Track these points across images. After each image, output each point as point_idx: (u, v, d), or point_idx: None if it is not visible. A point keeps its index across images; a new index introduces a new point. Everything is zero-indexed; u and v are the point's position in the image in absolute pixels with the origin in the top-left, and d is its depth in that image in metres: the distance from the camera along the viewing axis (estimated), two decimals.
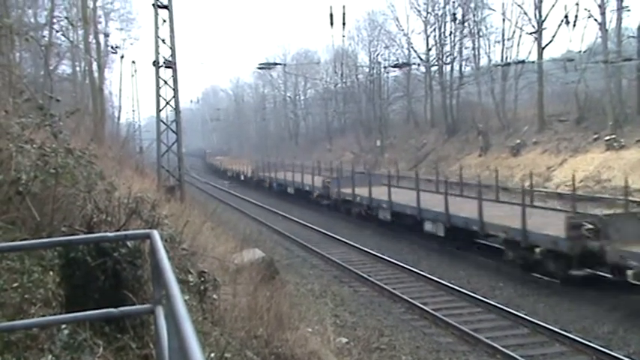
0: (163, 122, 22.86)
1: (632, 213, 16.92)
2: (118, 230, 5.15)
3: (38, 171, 5.53)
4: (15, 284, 4.32)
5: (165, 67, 21.88)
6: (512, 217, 17.38)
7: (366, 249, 21.99)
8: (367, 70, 66.76)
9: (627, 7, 35.63)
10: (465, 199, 22.93)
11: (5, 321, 3.78)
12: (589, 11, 36.50)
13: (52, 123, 6.42)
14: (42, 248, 4.68)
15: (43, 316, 4.20)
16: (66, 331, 4.01)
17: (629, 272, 13.31)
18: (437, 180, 27.99)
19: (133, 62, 62.71)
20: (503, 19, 47.07)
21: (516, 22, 45.59)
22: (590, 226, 15.03)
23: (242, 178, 53.78)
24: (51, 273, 4.67)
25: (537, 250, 16.02)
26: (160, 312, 3.28)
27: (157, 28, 21.52)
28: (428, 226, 21.54)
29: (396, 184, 28.62)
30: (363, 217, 27.25)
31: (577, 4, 36.09)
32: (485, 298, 15.22)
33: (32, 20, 32.06)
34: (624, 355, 11.16)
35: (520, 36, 45.47)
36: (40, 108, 6.92)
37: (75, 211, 5.71)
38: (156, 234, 3.40)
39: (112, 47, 41.95)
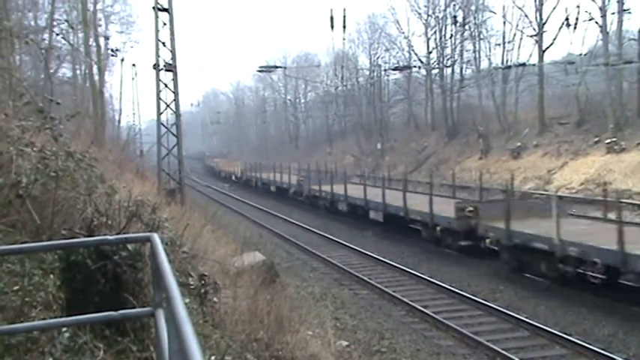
0: (164, 125, 22.87)
1: (498, 199, 22.16)
2: (118, 233, 5.16)
3: (38, 174, 5.54)
4: (15, 287, 4.33)
5: (166, 70, 21.90)
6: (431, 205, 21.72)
7: (366, 252, 22.00)
8: (368, 72, 66.84)
9: (628, 9, 35.71)
10: (413, 193, 26.83)
11: (6, 324, 3.79)
12: (590, 14, 36.59)
13: (53, 126, 6.43)
14: (42, 251, 4.68)
15: (44, 319, 4.20)
16: (66, 334, 4.01)
17: (487, 240, 18.32)
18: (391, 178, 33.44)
19: (134, 65, 62.51)
20: (504, 22, 47.13)
21: (517, 25, 45.65)
22: (471, 209, 19.88)
23: (233, 178, 58.67)
24: (51, 276, 4.67)
25: (438, 228, 21.20)
26: (161, 315, 3.28)
27: (157, 31, 21.54)
28: (372, 214, 26.86)
29: (372, 184, 32.61)
30: (327, 209, 32.03)
31: (578, 7, 36.28)
32: (485, 301, 15.21)
33: (32, 23, 32.13)
34: (624, 358, 11.16)
35: (521, 39, 45.56)
36: (41, 111, 6.93)
37: (75, 214, 5.72)
38: (156, 237, 3.40)
39: (112, 50, 42.05)
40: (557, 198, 17.83)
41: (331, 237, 25.25)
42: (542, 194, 28.44)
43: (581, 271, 14.76)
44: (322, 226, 28.10)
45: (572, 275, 15.21)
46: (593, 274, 14.35)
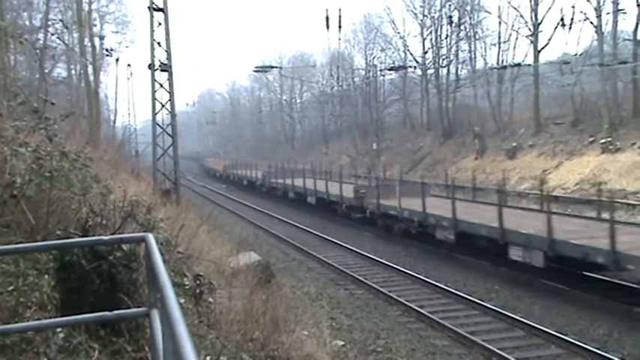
0: (159, 125, 22.85)
1: (374, 185, 29.59)
2: (113, 233, 5.14)
3: (33, 174, 5.52)
4: (10, 287, 4.32)
5: (161, 70, 21.86)
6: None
7: (362, 252, 22.03)
8: (363, 73, 66.88)
9: (623, 9, 35.74)
10: (335, 182, 32.52)
11: (0, 324, 3.78)
12: (585, 14, 36.69)
13: (47, 126, 6.40)
14: (37, 251, 4.67)
15: (39, 319, 4.19)
16: (61, 335, 4.00)
17: (367, 212, 26.56)
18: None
19: (129, 65, 62.21)
20: (500, 22, 47.18)
21: (512, 25, 45.70)
22: (363, 191, 27.87)
23: (217, 175, 66.40)
24: (46, 276, 4.66)
25: (344, 205, 29.56)
26: (155, 315, 3.27)
27: (152, 31, 21.52)
28: (309, 199, 34.65)
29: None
30: (282, 196, 40.25)
31: (573, 7, 36.52)
32: (481, 300, 15.24)
33: (27, 23, 32.06)
34: (620, 357, 11.19)
35: (516, 39, 45.66)
36: (35, 111, 6.91)
37: (70, 215, 5.71)
38: (151, 237, 3.40)
39: (107, 50, 42.00)
40: (421, 184, 24.25)
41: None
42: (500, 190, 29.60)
43: (406, 227, 23.03)
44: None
45: (405, 231, 23.26)
46: (413, 229, 22.47)
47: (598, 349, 11.59)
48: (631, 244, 13.89)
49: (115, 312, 3.81)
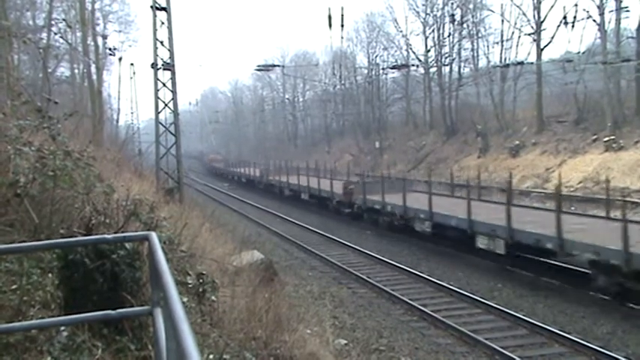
0: (162, 124, 22.85)
1: (361, 182, 30.64)
2: (116, 232, 5.16)
3: (36, 173, 5.53)
4: (14, 286, 4.33)
5: (164, 69, 21.88)
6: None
7: (365, 250, 22.03)
8: (366, 71, 66.79)
9: (626, 7, 35.61)
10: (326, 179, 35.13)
11: (4, 323, 3.79)
12: (588, 12, 36.53)
13: (51, 125, 6.42)
14: (41, 250, 4.68)
15: (42, 318, 4.20)
16: (65, 333, 4.01)
17: (355, 206, 28.35)
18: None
19: (132, 64, 62.36)
20: (502, 20, 47.15)
21: (515, 23, 45.61)
22: (351, 187, 29.55)
23: (218, 173, 71.48)
24: (50, 275, 4.67)
25: (334, 201, 31.24)
26: (159, 314, 3.28)
27: (155, 30, 21.52)
28: (302, 195, 37.16)
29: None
30: (279, 192, 42.77)
31: (576, 5, 36.32)
32: (484, 299, 15.24)
33: (30, 22, 32.08)
34: (623, 356, 11.18)
35: (519, 37, 45.48)
36: (39, 110, 6.93)
37: (73, 214, 5.72)
38: (154, 236, 3.40)
39: (109, 49, 42.00)
40: (402, 181, 25.72)
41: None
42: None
43: (390, 220, 24.80)
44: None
45: (389, 223, 25.05)
46: (396, 221, 24.19)
47: (602, 347, 11.58)
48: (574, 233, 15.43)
49: (119, 310, 3.82)
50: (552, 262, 16.77)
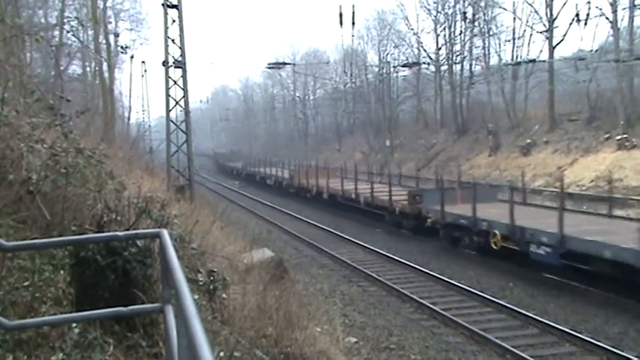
0: (173, 122, 22.91)
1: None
2: (127, 229, 5.17)
3: (49, 170, 5.55)
4: (26, 283, 4.35)
5: (175, 67, 21.93)
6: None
7: (375, 249, 22.01)
8: (377, 69, 66.63)
9: (639, 5, 35.34)
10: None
11: (16, 319, 3.81)
12: (600, 9, 36.25)
13: (63, 123, 6.44)
14: (52, 247, 4.70)
15: (54, 314, 4.22)
16: (76, 330, 4.03)
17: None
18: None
19: (143, 62, 62.52)
20: (514, 18, 46.76)
21: (527, 21, 45.24)
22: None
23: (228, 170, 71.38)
24: (61, 272, 4.69)
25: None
26: (170, 311, 3.29)
27: (166, 28, 21.57)
28: (268, 181, 44.86)
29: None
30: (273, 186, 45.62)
31: (588, 2, 35.82)
32: (495, 298, 15.18)
33: (43, 20, 32.26)
34: (635, 356, 11.10)
35: (531, 35, 45.19)
36: (51, 108, 6.96)
37: (85, 211, 5.73)
38: (165, 233, 3.41)
39: (121, 47, 42.16)
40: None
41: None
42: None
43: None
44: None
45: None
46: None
47: (613, 347, 11.51)
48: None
49: (130, 307, 3.84)
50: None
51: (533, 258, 16.82)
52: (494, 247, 18.38)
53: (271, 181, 47.43)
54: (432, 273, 18.01)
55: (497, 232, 18.16)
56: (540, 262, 16.65)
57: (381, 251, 21.52)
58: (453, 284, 16.69)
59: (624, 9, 35.91)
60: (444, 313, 14.16)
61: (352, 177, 32.79)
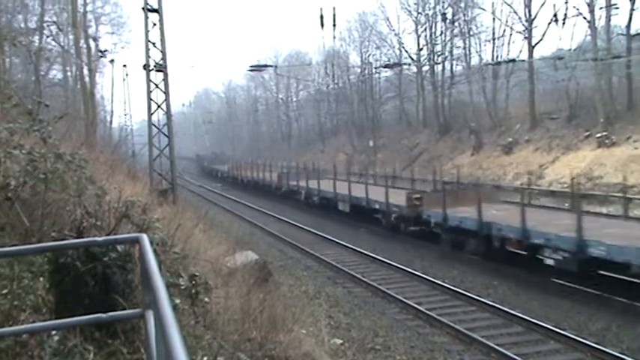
0: (155, 126, 22.77)
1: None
2: (108, 234, 5.12)
3: (27, 176, 5.49)
4: (4, 291, 4.29)
5: (157, 70, 21.79)
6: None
7: (359, 249, 22.01)
8: (359, 70, 66.77)
9: (616, 4, 35.67)
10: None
11: None
12: (578, 9, 36.68)
13: (41, 128, 6.38)
14: (31, 254, 4.64)
15: (33, 322, 4.16)
16: (56, 338, 3.97)
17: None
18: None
19: (124, 66, 62.20)
20: (494, 18, 47.16)
21: (506, 21, 45.66)
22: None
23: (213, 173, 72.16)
24: (41, 279, 4.63)
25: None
26: (150, 316, 3.25)
27: (147, 31, 21.44)
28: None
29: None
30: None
31: (566, 3, 36.28)
32: (479, 296, 15.25)
33: (22, 25, 31.93)
34: (618, 352, 11.20)
35: (510, 35, 45.55)
36: (29, 113, 6.88)
37: (65, 216, 5.67)
38: (145, 238, 3.37)
39: (101, 51, 41.90)
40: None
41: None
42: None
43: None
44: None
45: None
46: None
47: (596, 343, 11.61)
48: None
49: (110, 314, 3.78)
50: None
51: (548, 264, 15.75)
52: (507, 252, 17.41)
53: (256, 183, 46.02)
54: (416, 273, 18.04)
55: (512, 236, 17.08)
56: (556, 268, 15.62)
57: (365, 252, 21.52)
58: (437, 283, 16.74)
59: (601, 8, 36.30)
60: (428, 312, 14.20)
61: (344, 179, 30.92)
